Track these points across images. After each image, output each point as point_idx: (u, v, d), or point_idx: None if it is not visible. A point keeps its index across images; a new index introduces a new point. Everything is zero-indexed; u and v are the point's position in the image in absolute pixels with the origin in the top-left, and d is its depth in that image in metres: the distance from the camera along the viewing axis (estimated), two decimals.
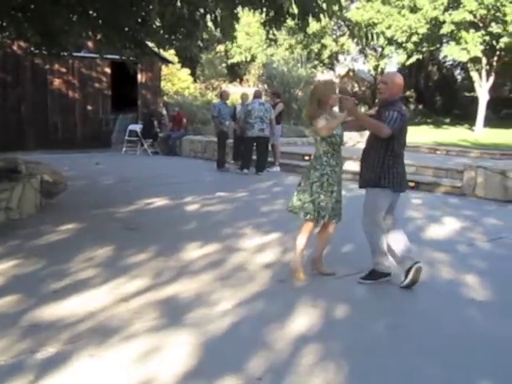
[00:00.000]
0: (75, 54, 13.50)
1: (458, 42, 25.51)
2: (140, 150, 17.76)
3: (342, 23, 30.65)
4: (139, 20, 9.07)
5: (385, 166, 5.13)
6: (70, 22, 9.11)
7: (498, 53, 26.48)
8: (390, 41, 28.00)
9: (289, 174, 13.10)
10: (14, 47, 15.81)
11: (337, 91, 5.43)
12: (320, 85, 5.58)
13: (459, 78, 40.53)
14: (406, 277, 5.08)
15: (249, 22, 30.03)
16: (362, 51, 33.17)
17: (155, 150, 17.92)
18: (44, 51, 10.16)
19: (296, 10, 7.97)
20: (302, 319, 4.33)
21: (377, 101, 5.49)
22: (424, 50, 28.29)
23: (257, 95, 13.48)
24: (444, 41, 28.24)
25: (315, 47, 30.29)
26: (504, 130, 25.75)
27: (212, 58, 32.13)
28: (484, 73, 26.96)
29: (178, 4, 8.27)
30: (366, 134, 5.49)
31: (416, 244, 6.67)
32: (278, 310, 4.50)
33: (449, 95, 37.56)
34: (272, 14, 8.19)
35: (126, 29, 9.38)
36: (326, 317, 4.41)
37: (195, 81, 28.43)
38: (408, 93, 39.23)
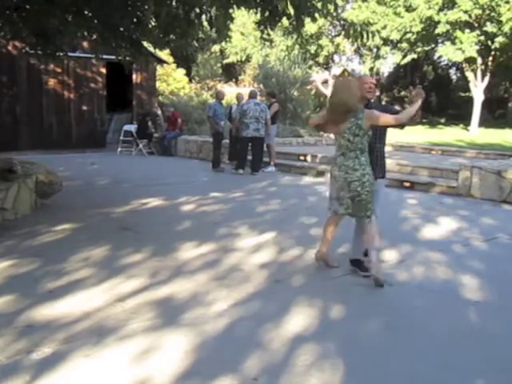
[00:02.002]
0: (70, 54, 13.46)
1: (452, 42, 25.56)
2: (135, 151, 17.74)
3: (338, 23, 30.65)
4: (134, 20, 9.05)
5: (385, 158, 5.66)
6: (65, 21, 9.09)
7: (493, 53, 26.54)
8: (386, 41, 28.05)
9: (284, 174, 13.13)
10: (9, 47, 15.78)
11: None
12: (356, 79, 5.50)
13: (454, 78, 40.65)
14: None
15: (244, 22, 30.02)
16: (357, 51, 33.20)
17: (150, 150, 17.91)
18: (39, 51, 10.13)
19: (292, 11, 7.99)
20: (298, 319, 4.33)
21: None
22: (419, 49, 28.34)
23: (252, 95, 13.48)
24: (439, 41, 28.28)
25: (312, 48, 30.30)
26: (499, 130, 25.85)
27: (207, 58, 32.11)
28: (479, 73, 27.02)
29: (174, 4, 8.27)
30: None
31: (411, 244, 6.71)
32: (274, 310, 4.50)
33: (444, 95, 37.68)
34: (267, 13, 8.20)
35: (121, 29, 9.36)
36: (322, 317, 4.42)
37: (190, 81, 28.40)
38: (403, 93, 39.31)
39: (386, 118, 5.21)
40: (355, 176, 5.16)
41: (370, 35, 26.24)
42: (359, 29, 25.51)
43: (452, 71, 40.25)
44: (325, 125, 5.53)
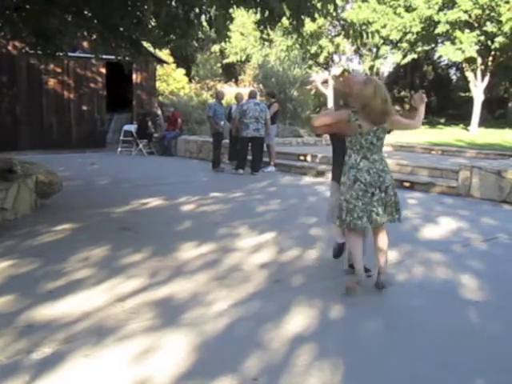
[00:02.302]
0: (70, 54, 13.49)
1: (452, 42, 25.55)
2: (135, 151, 17.74)
3: (337, 23, 30.63)
4: (134, 20, 9.06)
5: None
6: (65, 21, 9.09)
7: (492, 53, 26.53)
8: (385, 40, 28.06)
9: (284, 174, 13.13)
10: (9, 47, 15.79)
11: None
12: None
13: (454, 78, 40.63)
14: None
15: (244, 22, 30.03)
16: (357, 51, 33.20)
17: (150, 150, 17.91)
18: (39, 51, 10.14)
19: (289, 13, 8.00)
20: (298, 319, 4.33)
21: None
22: (419, 49, 28.34)
23: (252, 95, 13.48)
24: (439, 41, 28.28)
25: (312, 49, 30.31)
26: (499, 130, 25.84)
27: (207, 58, 32.11)
28: (479, 73, 27.02)
29: (173, 4, 8.27)
30: None
31: (411, 244, 6.71)
32: (274, 310, 4.50)
33: (444, 95, 37.67)
34: (266, 13, 8.20)
35: (121, 29, 9.37)
36: (322, 317, 4.41)
37: (190, 81, 28.42)
38: (403, 93, 39.35)
39: (407, 123, 5.14)
40: (388, 179, 4.90)
41: (370, 35, 26.27)
42: (359, 29, 25.53)
43: (452, 71, 40.25)
44: (344, 125, 4.99)
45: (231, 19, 8.33)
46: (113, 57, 10.51)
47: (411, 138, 19.04)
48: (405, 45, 27.58)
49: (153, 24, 9.21)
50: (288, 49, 29.16)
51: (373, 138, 4.90)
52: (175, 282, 5.18)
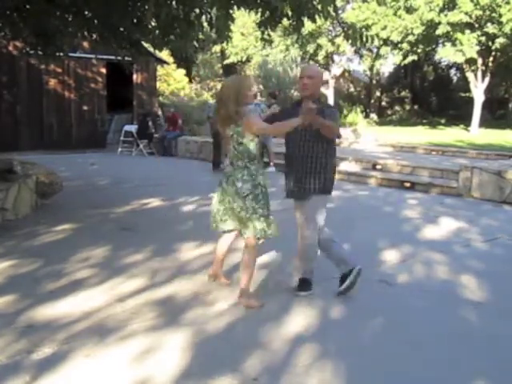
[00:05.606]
0: (71, 54, 13.51)
1: (453, 44, 25.52)
2: (136, 151, 17.74)
3: (338, 23, 30.60)
4: (134, 20, 9.06)
5: (330, 170, 5.04)
6: (65, 22, 9.10)
7: (493, 53, 26.50)
8: (386, 41, 28.02)
9: (283, 174, 13.09)
10: (10, 47, 15.79)
11: (253, 87, 5.02)
12: (238, 81, 5.02)
13: (455, 78, 40.58)
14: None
15: (245, 22, 30.03)
16: (357, 52, 33.18)
17: (151, 150, 17.91)
18: (39, 51, 10.15)
19: (290, 13, 8.00)
20: (298, 319, 4.33)
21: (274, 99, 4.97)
22: (419, 50, 28.31)
23: None
24: (440, 41, 28.24)
25: (311, 48, 30.29)
26: (499, 131, 25.81)
27: (208, 58, 32.12)
28: (479, 73, 26.99)
29: (174, 4, 8.27)
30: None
31: (412, 244, 6.70)
32: (274, 310, 4.50)
33: (444, 96, 37.58)
34: (267, 14, 8.20)
35: (121, 29, 9.37)
36: (322, 317, 4.41)
37: (191, 81, 28.42)
38: (403, 93, 39.32)
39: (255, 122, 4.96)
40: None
41: (370, 38, 26.23)
42: (359, 31, 25.48)
43: (452, 72, 40.19)
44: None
45: (232, 19, 8.33)
46: (113, 57, 10.52)
47: (411, 138, 19.04)
48: (405, 45, 27.52)
49: (153, 24, 9.21)
50: (288, 48, 29.13)
51: (233, 143, 4.82)
52: (175, 281, 5.19)
